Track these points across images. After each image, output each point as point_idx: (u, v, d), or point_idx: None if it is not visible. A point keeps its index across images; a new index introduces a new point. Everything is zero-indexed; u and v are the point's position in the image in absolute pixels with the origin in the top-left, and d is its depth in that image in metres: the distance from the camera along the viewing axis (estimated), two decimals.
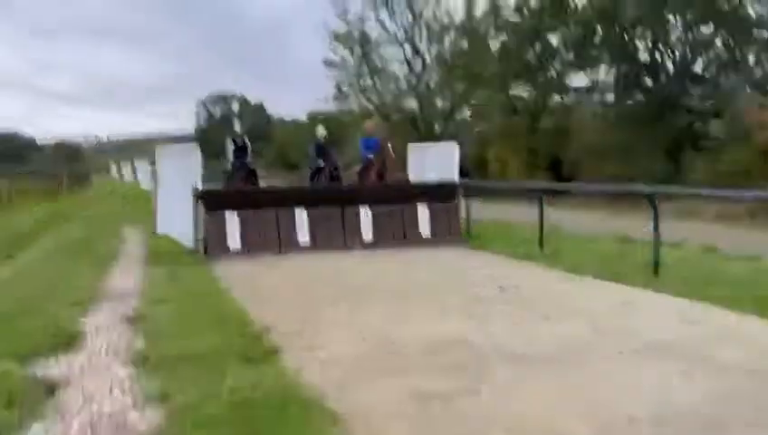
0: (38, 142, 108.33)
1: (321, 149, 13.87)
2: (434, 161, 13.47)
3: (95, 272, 8.97)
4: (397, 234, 11.45)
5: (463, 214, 12.22)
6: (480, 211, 13.74)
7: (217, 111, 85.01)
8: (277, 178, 32.45)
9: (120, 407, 4.04)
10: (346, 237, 11.13)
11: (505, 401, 4.08)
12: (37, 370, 4.62)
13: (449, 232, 11.71)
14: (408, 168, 14.97)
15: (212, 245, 10.52)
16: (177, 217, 11.81)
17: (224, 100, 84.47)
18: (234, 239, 10.53)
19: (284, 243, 10.79)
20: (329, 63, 40.24)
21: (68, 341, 5.38)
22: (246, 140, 14.05)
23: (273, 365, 4.86)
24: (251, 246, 10.58)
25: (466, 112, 40.17)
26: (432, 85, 40.16)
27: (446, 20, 37.43)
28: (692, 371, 4.55)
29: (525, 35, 30.30)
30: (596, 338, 5.49)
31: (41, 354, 4.96)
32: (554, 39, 30.83)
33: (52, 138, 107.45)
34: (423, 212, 11.61)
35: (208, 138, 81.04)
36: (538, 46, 31.08)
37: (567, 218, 14.07)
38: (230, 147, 13.82)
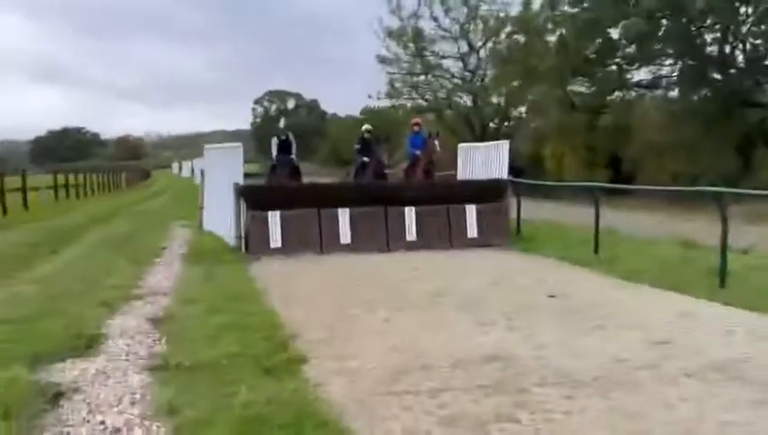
0: (102, 138, 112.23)
1: (367, 146, 13.55)
2: (484, 161, 12.94)
3: (133, 269, 8.87)
4: (442, 234, 10.98)
5: (513, 214, 11.67)
6: (532, 211, 13.17)
7: (272, 109, 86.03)
8: (330, 175, 32.30)
9: (125, 421, 3.76)
10: (389, 238, 10.75)
11: (548, 432, 3.60)
12: (48, 376, 4.40)
13: (497, 233, 11.18)
14: (458, 168, 14.50)
15: (253, 243, 10.31)
16: (221, 215, 11.71)
17: (279, 97, 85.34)
18: (275, 238, 10.28)
19: (326, 242, 10.49)
20: (382, 60, 39.87)
21: (88, 344, 5.18)
22: (291, 137, 13.85)
23: (294, 377, 4.51)
24: (292, 244, 10.32)
25: (522, 109, 39.23)
26: (487, 81, 39.38)
27: (501, 14, 36.62)
28: (766, 399, 3.97)
29: (584, 29, 29.16)
30: (654, 356, 4.93)
31: (56, 358, 4.76)
32: (615, 32, 29.61)
33: (115, 134, 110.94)
34: (470, 212, 11.10)
35: (263, 135, 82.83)
36: (598, 40, 29.91)
37: (625, 220, 13.32)
38: (273, 143, 13.66)
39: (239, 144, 11.95)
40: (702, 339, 5.37)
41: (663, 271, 8.18)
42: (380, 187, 11.86)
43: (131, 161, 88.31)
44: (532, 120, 37.03)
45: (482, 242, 11.03)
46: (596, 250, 9.67)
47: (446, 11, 37.75)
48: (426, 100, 41.76)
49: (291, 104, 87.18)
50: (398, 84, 41.77)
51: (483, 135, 38.63)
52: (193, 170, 58.20)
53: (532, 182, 14.32)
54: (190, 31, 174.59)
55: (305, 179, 13.89)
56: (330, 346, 5.31)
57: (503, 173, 11.82)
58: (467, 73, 39.98)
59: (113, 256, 9.81)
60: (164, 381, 4.41)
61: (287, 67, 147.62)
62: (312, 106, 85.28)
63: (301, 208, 10.46)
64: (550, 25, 32.79)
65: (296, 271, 9.09)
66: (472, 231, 11.10)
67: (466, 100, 40.51)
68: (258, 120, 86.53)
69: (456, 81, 40.59)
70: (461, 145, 14.87)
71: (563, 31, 31.10)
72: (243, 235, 10.34)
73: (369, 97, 44.32)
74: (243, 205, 10.35)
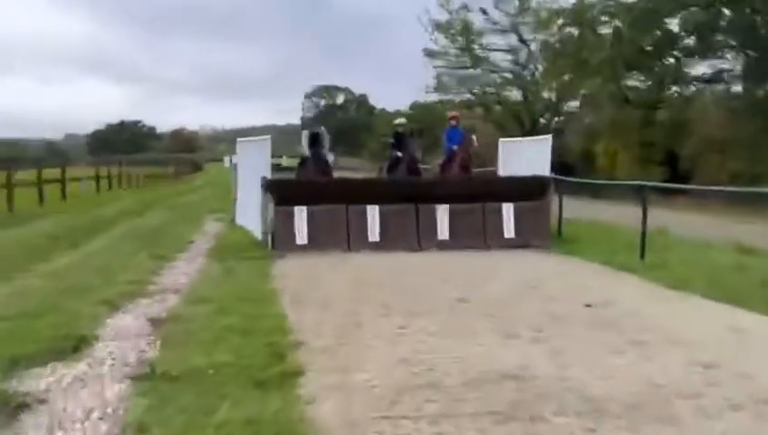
0: (158, 131, 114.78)
1: (400, 140, 13.01)
2: (526, 157, 12.27)
3: (152, 264, 8.61)
4: (476, 234, 10.40)
5: (555, 214, 11.01)
6: (577, 211, 12.45)
7: (322, 103, 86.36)
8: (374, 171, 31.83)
9: None
10: (420, 236, 10.23)
11: None
12: (18, 383, 4.08)
13: (537, 234, 10.52)
14: (499, 164, 13.87)
15: (279, 239, 9.96)
16: (252, 209, 11.43)
17: (328, 92, 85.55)
18: (301, 234, 9.90)
19: (353, 240, 10.05)
20: (429, 53, 39.23)
21: (76, 346, 4.85)
22: (323, 131, 13.45)
23: (285, 392, 4.08)
24: (319, 241, 9.92)
25: (574, 104, 38.01)
26: (537, 75, 38.30)
27: (554, 6, 35.48)
28: None
29: (641, 19, 27.88)
30: (696, 381, 4.30)
31: (37, 362, 4.44)
32: (674, 23, 28.24)
33: (170, 127, 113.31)
34: (508, 211, 10.49)
35: (314, 128, 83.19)
36: (655, 31, 28.59)
37: (678, 221, 12.46)
38: (304, 136, 13.26)
39: (267, 137, 11.62)
40: (755, 362, 4.69)
41: (715, 280, 7.41)
42: (412, 183, 11.31)
43: (186, 154, 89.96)
44: (584, 115, 35.81)
45: (520, 243, 10.40)
46: (642, 255, 8.93)
47: (496, 3, 36.87)
48: (474, 94, 40.97)
49: (340, 99, 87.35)
50: (445, 78, 41.10)
51: (532, 131, 37.59)
52: (231, 163, 58.73)
53: (577, 180, 13.55)
54: (246, 26, 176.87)
55: (350, 174, 13.29)
56: (333, 356, 4.86)
57: (545, 170, 11.14)
58: (517, 67, 39.02)
59: (135, 250, 9.61)
60: (143, 392, 4.03)
61: (338, 62, 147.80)
62: (361, 101, 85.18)
63: (328, 204, 10.03)
64: (604, 17, 31.58)
65: (319, 270, 8.67)
66: (509, 231, 10.49)
67: (516, 94, 39.53)
68: (309, 114, 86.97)
69: (505, 75, 39.67)
70: (502, 140, 14.20)
71: (618, 22, 29.86)
72: (269, 230, 9.99)
73: (418, 91, 43.62)
74: (270, 200, 10.00)
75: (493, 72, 39.64)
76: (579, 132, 33.84)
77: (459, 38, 38.93)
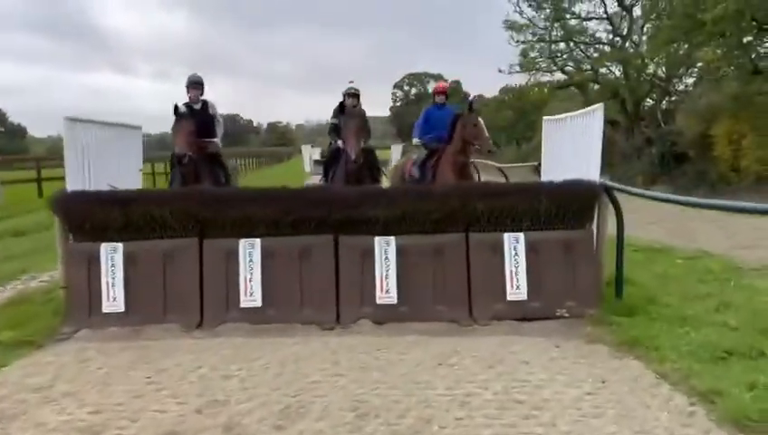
0: (255, 124, 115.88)
1: (354, 117, 7.46)
2: (573, 146, 7.09)
3: None
4: (453, 293, 5.53)
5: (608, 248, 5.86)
6: (678, 230, 7.17)
7: (412, 92, 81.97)
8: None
9: None
10: (340, 297, 5.49)
11: None
12: None
13: (570, 292, 5.52)
14: (543, 154, 8.80)
15: (73, 302, 5.53)
16: None
17: (418, 79, 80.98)
18: (113, 294, 5.44)
19: (212, 305, 5.47)
20: (511, 25, 33.55)
21: None
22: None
23: None
24: (144, 307, 5.44)
25: (688, 81, 31.21)
26: (641, 46, 31.65)
27: None
28: None
29: None
30: None
31: None
32: None
33: (268, 120, 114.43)
34: (512, 246, 5.53)
35: (403, 118, 78.85)
36: None
37: None
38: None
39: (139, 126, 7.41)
40: None
41: None
42: (328, 194, 5.86)
43: (283, 147, 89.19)
44: (700, 93, 29.01)
45: (536, 310, 5.46)
46: None
47: None
48: (565, 72, 34.93)
49: (431, 87, 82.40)
50: (532, 54, 35.26)
51: (637, 113, 31.36)
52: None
53: (652, 194, 7.15)
54: (336, 17, 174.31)
55: None
56: None
57: (589, 168, 5.98)
58: (617, 39, 32.53)
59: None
60: None
61: (431, 50, 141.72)
62: (454, 88, 79.84)
63: (167, 238, 5.51)
64: None
65: (109, 391, 4.15)
66: (515, 286, 5.51)
67: (615, 70, 33.08)
68: (398, 103, 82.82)
69: (602, 48, 33.31)
70: (546, 118, 8.95)
71: None
72: (62, 283, 5.61)
73: (500, 72, 37.81)
74: (62, 231, 5.60)
75: (588, 44, 33.46)
76: (693, 114, 27.23)
77: (547, 6, 33.05)
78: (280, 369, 4.39)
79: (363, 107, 7.97)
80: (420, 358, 4.56)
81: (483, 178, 8.93)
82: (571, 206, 5.62)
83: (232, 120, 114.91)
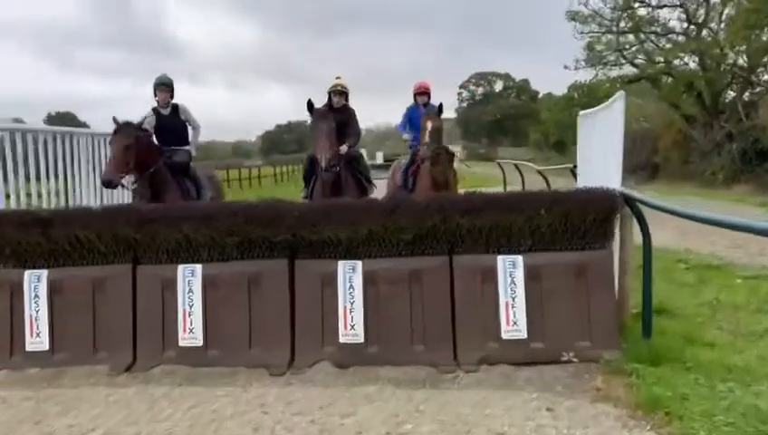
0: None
1: (328, 119, 6.35)
2: (601, 140, 5.86)
3: None
4: (429, 328, 4.47)
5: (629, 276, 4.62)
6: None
7: (479, 92, 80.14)
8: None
9: None
10: (295, 336, 4.53)
11: None
12: None
13: (581, 330, 4.34)
14: (578, 155, 7.58)
15: None
16: None
17: (485, 79, 79.06)
18: (37, 329, 4.66)
19: (146, 344, 4.61)
20: (574, 16, 31.67)
21: None
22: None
23: None
24: (68, 346, 4.66)
25: None
26: (720, 35, 29.13)
27: None
28: None
29: None
30: None
31: None
32: None
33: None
34: (507, 272, 4.42)
35: (468, 119, 77.11)
36: None
37: None
38: None
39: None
40: None
41: None
42: (280, 210, 4.73)
43: None
44: None
45: (538, 352, 4.34)
46: None
47: None
48: (636, 66, 32.68)
49: (498, 86, 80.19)
50: (599, 47, 33.23)
51: (716, 106, 28.89)
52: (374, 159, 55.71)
53: (675, 209, 5.73)
54: (397, 19, 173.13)
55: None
56: None
57: (609, 171, 4.73)
58: (692, 27, 30.09)
59: None
60: None
61: (498, 49, 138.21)
62: (523, 87, 77.42)
63: (96, 264, 4.69)
64: None
65: None
66: (511, 322, 4.39)
67: (690, 62, 30.62)
68: (464, 104, 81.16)
69: (676, 38, 30.92)
70: (582, 113, 7.68)
71: None
72: None
73: (566, 68, 35.84)
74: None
75: (659, 35, 31.18)
76: None
77: None
78: (186, 433, 3.48)
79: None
80: (367, 422, 3.54)
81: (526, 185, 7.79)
82: (582, 220, 4.43)
83: (302, 126, 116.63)
